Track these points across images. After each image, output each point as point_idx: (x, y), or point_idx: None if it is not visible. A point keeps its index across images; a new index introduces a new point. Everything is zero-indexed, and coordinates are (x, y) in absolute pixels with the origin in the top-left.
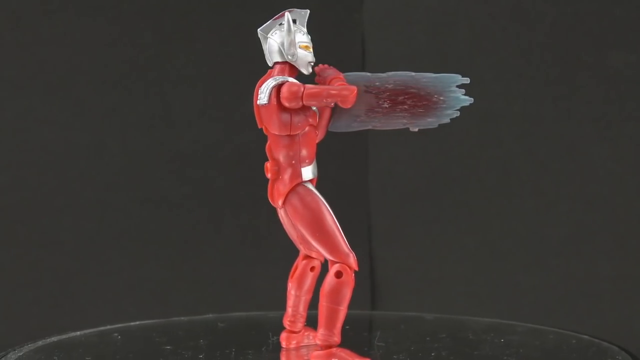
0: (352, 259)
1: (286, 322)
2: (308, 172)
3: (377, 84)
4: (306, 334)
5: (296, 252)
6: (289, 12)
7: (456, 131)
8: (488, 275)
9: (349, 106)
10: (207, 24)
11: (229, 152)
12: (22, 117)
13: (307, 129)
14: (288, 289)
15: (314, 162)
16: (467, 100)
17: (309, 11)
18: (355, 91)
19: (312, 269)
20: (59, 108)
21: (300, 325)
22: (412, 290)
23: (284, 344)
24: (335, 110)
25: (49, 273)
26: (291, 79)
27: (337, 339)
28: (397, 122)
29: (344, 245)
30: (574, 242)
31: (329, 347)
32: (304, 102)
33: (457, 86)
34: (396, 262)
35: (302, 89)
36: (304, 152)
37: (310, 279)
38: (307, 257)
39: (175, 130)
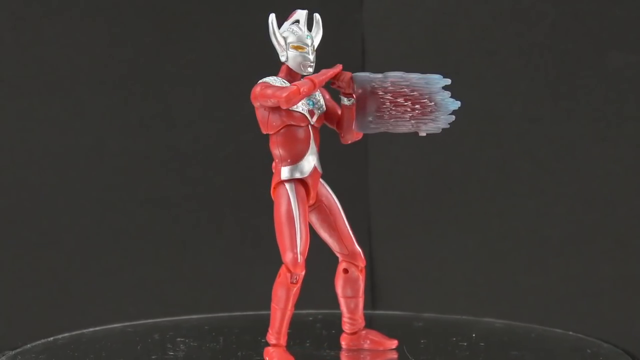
0: (293, 262)
1: (342, 325)
2: (291, 172)
3: (380, 84)
4: (364, 335)
5: None
6: (294, 13)
7: (456, 131)
8: (488, 275)
9: (285, 107)
10: (207, 24)
11: (229, 152)
12: (22, 117)
13: (288, 128)
14: None
15: (302, 162)
16: (455, 104)
17: (306, 11)
18: (289, 92)
19: (345, 271)
20: (59, 108)
21: (352, 327)
22: (412, 290)
23: (342, 345)
24: (355, 111)
25: (49, 273)
26: (271, 79)
27: (276, 341)
28: (404, 126)
29: (292, 248)
30: (574, 242)
31: (273, 345)
32: (259, 102)
33: (445, 88)
34: (396, 262)
35: (259, 89)
36: (284, 152)
37: (346, 281)
38: (343, 259)
39: (175, 130)
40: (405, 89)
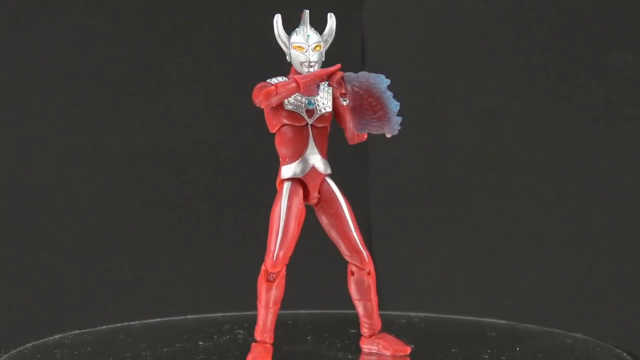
0: (269, 260)
1: (360, 328)
2: (286, 171)
3: (356, 84)
4: (378, 338)
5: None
6: (303, 14)
7: (456, 131)
8: (488, 275)
9: (263, 106)
10: (207, 24)
11: (229, 152)
12: (22, 117)
13: (285, 127)
14: None
15: (299, 162)
16: (397, 105)
17: (308, 11)
18: (264, 91)
19: (351, 273)
20: (59, 108)
21: (369, 330)
22: (412, 290)
23: (363, 348)
24: (350, 111)
25: (49, 273)
26: (274, 79)
27: (260, 337)
28: (375, 126)
29: (272, 246)
30: (574, 242)
31: (258, 342)
32: (254, 100)
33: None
34: (396, 262)
35: (256, 88)
36: (284, 151)
37: (354, 283)
38: (350, 261)
39: (175, 130)
40: (371, 89)
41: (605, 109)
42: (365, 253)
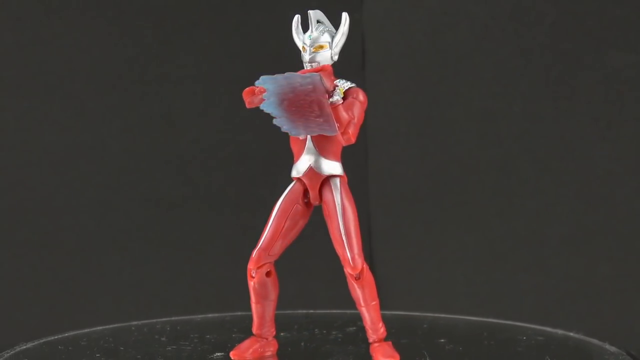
0: (250, 257)
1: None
2: (292, 170)
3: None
4: (376, 348)
5: (292, 251)
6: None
7: (456, 131)
8: (488, 275)
9: (248, 107)
10: (207, 24)
11: (229, 152)
12: (22, 117)
13: None
14: None
15: (299, 161)
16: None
17: (310, 12)
18: (244, 91)
19: (347, 277)
20: (59, 108)
21: (370, 337)
22: (412, 290)
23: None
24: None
25: (49, 273)
26: None
27: (254, 332)
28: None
29: (258, 245)
30: (574, 242)
31: (254, 335)
32: None
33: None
34: (396, 262)
35: None
36: (292, 150)
37: (349, 288)
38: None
39: (175, 130)
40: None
41: (605, 109)
42: (352, 259)
